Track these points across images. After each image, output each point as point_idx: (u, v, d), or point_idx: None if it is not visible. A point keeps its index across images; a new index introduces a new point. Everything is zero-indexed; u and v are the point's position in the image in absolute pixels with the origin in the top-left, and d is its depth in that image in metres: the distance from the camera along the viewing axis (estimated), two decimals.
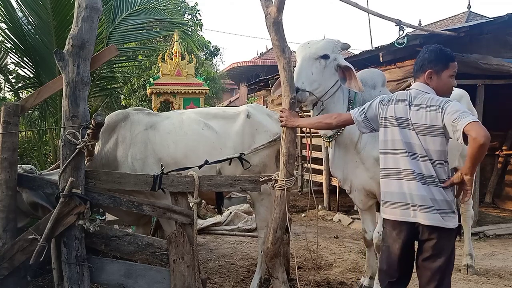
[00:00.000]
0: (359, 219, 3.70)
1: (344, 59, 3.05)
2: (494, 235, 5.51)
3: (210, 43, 13.62)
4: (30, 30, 4.69)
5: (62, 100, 2.77)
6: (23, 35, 4.61)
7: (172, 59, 7.23)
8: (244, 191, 3.35)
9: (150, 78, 7.70)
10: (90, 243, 2.85)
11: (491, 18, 5.65)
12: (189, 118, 3.38)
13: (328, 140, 3.16)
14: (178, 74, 7.21)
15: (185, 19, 9.27)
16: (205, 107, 8.37)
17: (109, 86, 6.15)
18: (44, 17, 4.49)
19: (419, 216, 2.14)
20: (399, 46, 4.70)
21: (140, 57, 9.25)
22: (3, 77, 5.20)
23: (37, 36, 4.72)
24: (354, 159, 3.11)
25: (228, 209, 6.19)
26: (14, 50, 4.82)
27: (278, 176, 2.78)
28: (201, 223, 5.63)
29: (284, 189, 2.74)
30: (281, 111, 2.76)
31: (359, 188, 3.21)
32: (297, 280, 2.82)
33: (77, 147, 2.66)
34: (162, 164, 2.95)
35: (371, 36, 10.51)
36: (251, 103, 8.20)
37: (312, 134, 3.32)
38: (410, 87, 2.34)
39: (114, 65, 5.95)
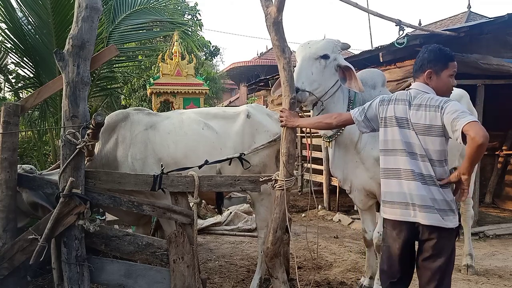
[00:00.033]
0: (359, 219, 3.70)
1: (344, 59, 3.05)
2: (494, 235, 5.51)
3: (210, 43, 13.63)
4: (30, 30, 4.69)
5: (62, 100, 2.77)
6: (23, 35, 4.61)
7: (172, 59, 7.23)
8: (244, 191, 3.35)
9: (150, 78, 7.70)
10: (90, 243, 2.85)
11: (491, 18, 5.65)
12: (189, 118, 3.38)
13: (328, 140, 3.16)
14: (178, 74, 7.21)
15: (185, 19, 9.27)
16: (205, 107, 8.37)
17: (109, 86, 6.15)
18: (44, 17, 4.49)
19: (419, 216, 2.15)
20: (399, 46, 4.70)
21: (140, 57, 9.25)
22: (3, 77, 5.20)
23: (37, 36, 4.72)
24: (354, 159, 3.11)
25: (228, 209, 6.19)
26: (14, 50, 4.82)
27: (278, 176, 2.78)
28: (201, 223, 5.63)
29: (284, 189, 2.74)
30: (281, 111, 2.76)
31: (359, 188, 3.21)
32: (297, 280, 2.82)
33: (77, 147, 2.66)
34: (162, 164, 2.95)
35: (371, 36, 10.53)
36: (251, 103, 8.20)
37: (312, 134, 3.32)
38: (410, 87, 2.34)
39: (114, 65, 5.95)
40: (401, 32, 4.27)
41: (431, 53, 2.26)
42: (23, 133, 6.01)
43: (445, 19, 13.92)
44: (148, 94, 7.86)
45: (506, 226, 5.78)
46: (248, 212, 6.09)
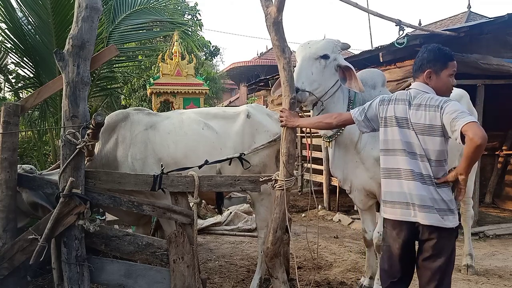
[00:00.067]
0: (359, 219, 3.70)
1: (344, 59, 3.06)
2: (494, 235, 5.51)
3: (210, 43, 13.63)
4: (30, 30, 4.69)
5: (62, 100, 2.77)
6: (23, 35, 4.61)
7: (172, 59, 7.23)
8: (244, 191, 3.35)
9: (150, 78, 7.70)
10: (90, 243, 2.85)
11: (491, 18, 5.65)
12: (189, 118, 3.38)
13: (328, 140, 3.16)
14: (178, 74, 7.21)
15: (185, 19, 9.27)
16: (205, 107, 8.37)
17: (109, 86, 6.15)
18: (44, 17, 4.49)
19: (419, 216, 2.15)
20: (399, 46, 4.71)
21: (140, 57, 9.25)
22: (3, 77, 5.20)
23: (37, 36, 4.72)
24: (354, 159, 3.11)
25: (228, 209, 6.19)
26: (14, 50, 4.82)
27: (278, 176, 2.78)
28: (201, 223, 5.63)
29: (284, 189, 2.74)
30: (281, 111, 2.76)
31: (359, 188, 3.21)
32: (297, 280, 2.82)
33: (77, 147, 2.66)
34: (162, 164, 2.95)
35: (371, 36, 10.53)
36: (251, 103, 8.20)
37: (312, 134, 3.32)
38: (410, 87, 2.34)
39: (114, 65, 5.95)
40: (401, 32, 4.27)
41: (430, 53, 2.26)
42: (23, 133, 6.01)
43: (445, 19, 13.92)
44: (148, 94, 7.86)
45: (506, 226, 5.79)
46: (248, 212, 6.09)
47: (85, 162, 2.84)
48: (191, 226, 2.87)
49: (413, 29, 5.11)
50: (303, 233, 5.43)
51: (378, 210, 3.13)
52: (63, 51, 2.76)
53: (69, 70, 2.73)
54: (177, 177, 2.88)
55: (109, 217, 4.58)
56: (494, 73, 5.48)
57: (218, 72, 22.16)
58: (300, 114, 3.03)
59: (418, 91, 2.24)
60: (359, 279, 3.75)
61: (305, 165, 7.20)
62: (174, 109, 6.70)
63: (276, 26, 2.70)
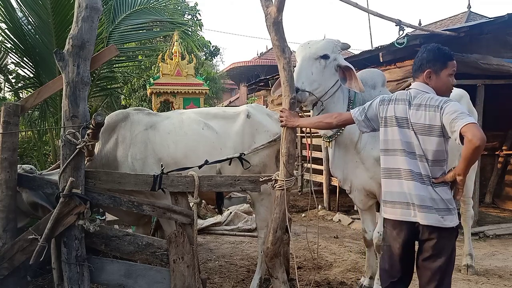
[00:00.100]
0: (359, 219, 3.70)
1: (344, 59, 3.05)
2: (494, 235, 5.51)
3: (210, 43, 13.63)
4: (30, 30, 4.69)
5: (62, 100, 2.77)
6: (23, 35, 4.61)
7: (172, 59, 7.23)
8: (244, 191, 3.35)
9: (150, 78, 7.70)
10: (90, 243, 2.85)
11: (491, 18, 5.65)
12: (189, 118, 3.38)
13: (328, 140, 3.16)
14: (178, 74, 7.21)
15: (185, 19, 9.27)
16: (205, 107, 8.37)
17: (109, 86, 6.15)
18: (44, 17, 4.49)
19: (419, 216, 2.15)
20: (399, 46, 4.71)
21: (140, 57, 9.25)
22: (3, 77, 5.20)
23: (37, 36, 4.72)
24: (354, 159, 3.11)
25: (228, 209, 6.19)
26: (14, 50, 4.82)
27: (278, 176, 2.78)
28: (201, 223, 5.63)
29: (284, 189, 2.74)
30: (281, 111, 2.76)
31: (359, 188, 3.21)
32: (297, 280, 2.82)
33: (77, 147, 2.66)
34: (162, 164, 2.95)
35: (371, 36, 10.54)
36: (251, 103, 8.20)
37: (312, 134, 3.32)
38: (410, 87, 2.34)
39: (114, 65, 5.95)
40: (401, 32, 4.27)
41: (430, 53, 2.26)
42: (23, 133, 6.01)
43: (445, 19, 13.93)
44: (148, 94, 7.87)
45: (506, 226, 5.79)
46: (248, 212, 6.09)
47: (85, 162, 2.84)
48: (191, 226, 2.87)
49: (413, 29, 5.11)
50: (303, 233, 5.43)
51: (378, 210, 3.13)
52: (63, 51, 2.76)
53: (69, 70, 2.73)
54: (177, 177, 2.88)
55: (109, 217, 4.58)
56: (494, 73, 5.48)
57: (218, 72, 22.16)
58: (300, 114, 3.03)
59: (418, 91, 2.24)
60: (359, 279, 3.75)
61: (305, 165, 7.20)
62: (174, 109, 6.70)
63: (276, 26, 2.70)
